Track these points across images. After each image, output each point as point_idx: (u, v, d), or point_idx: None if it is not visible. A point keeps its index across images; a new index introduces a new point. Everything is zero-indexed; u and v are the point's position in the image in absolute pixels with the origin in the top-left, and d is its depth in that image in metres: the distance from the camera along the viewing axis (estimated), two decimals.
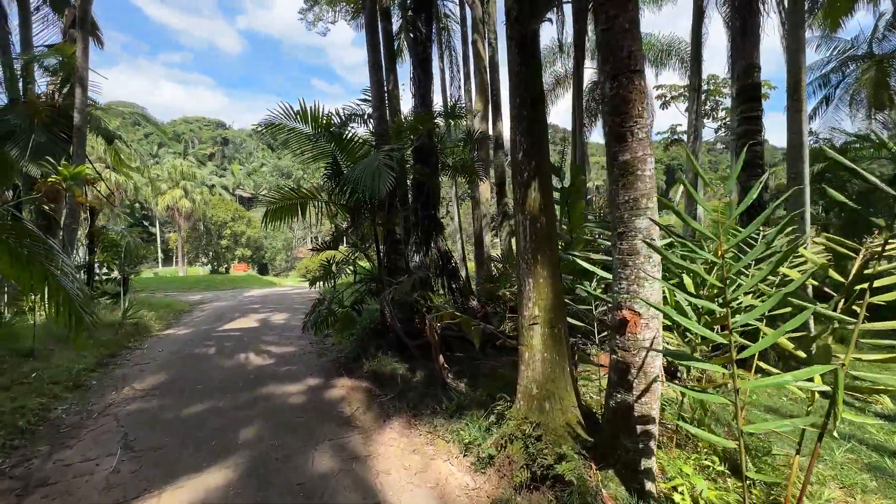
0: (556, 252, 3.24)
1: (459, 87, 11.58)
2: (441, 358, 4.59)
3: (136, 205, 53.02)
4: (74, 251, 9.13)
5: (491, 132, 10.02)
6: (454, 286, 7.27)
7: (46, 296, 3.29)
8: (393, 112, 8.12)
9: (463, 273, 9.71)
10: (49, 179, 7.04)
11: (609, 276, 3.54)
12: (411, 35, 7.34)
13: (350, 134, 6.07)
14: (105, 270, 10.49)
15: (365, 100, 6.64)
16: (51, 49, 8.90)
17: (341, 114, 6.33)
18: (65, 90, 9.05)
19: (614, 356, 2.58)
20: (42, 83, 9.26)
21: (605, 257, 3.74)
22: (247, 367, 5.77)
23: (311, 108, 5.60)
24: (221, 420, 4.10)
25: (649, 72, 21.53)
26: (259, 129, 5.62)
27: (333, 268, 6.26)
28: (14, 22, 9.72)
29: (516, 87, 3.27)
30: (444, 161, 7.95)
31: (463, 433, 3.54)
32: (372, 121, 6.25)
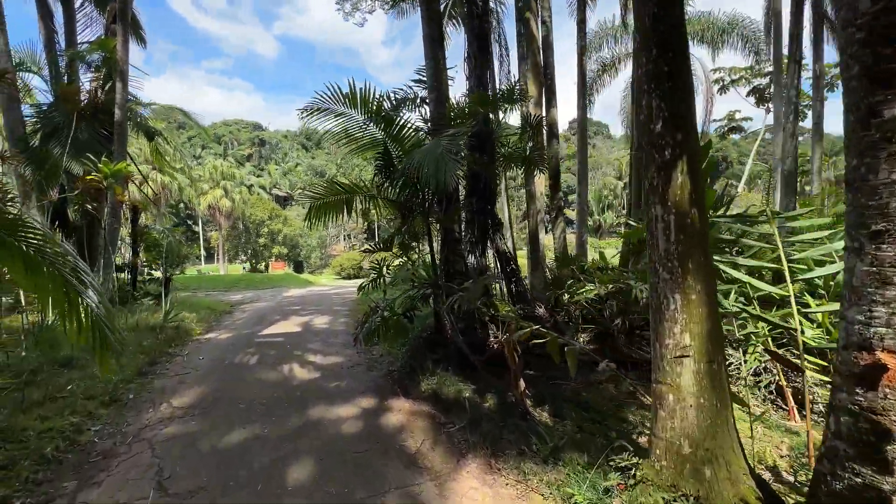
0: (710, 258, 2.38)
1: (508, 72, 10.70)
2: (522, 383, 3.80)
3: (181, 205, 55.22)
4: (117, 251, 8.96)
5: (544, 119, 9.10)
6: (516, 291, 6.46)
7: (67, 310, 2.74)
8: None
9: None
10: (88, 177, 6.75)
11: (765, 287, 2.65)
12: (466, 9, 6.56)
13: (402, 120, 5.38)
14: (147, 272, 10.36)
15: (419, 80, 5.92)
16: (93, 44, 8.77)
17: (392, 98, 5.65)
18: (107, 86, 8.87)
19: (846, 417, 1.71)
20: (86, 81, 9.19)
21: (754, 262, 2.83)
22: (292, 382, 5.20)
23: (360, 89, 4.94)
24: (267, 453, 3.49)
25: (703, 52, 19.85)
26: (303, 115, 5.00)
27: (385, 271, 5.59)
28: (60, 21, 9.66)
29: (653, 34, 2.42)
30: (499, 150, 7.15)
31: (569, 490, 2.74)
32: (428, 103, 5.51)
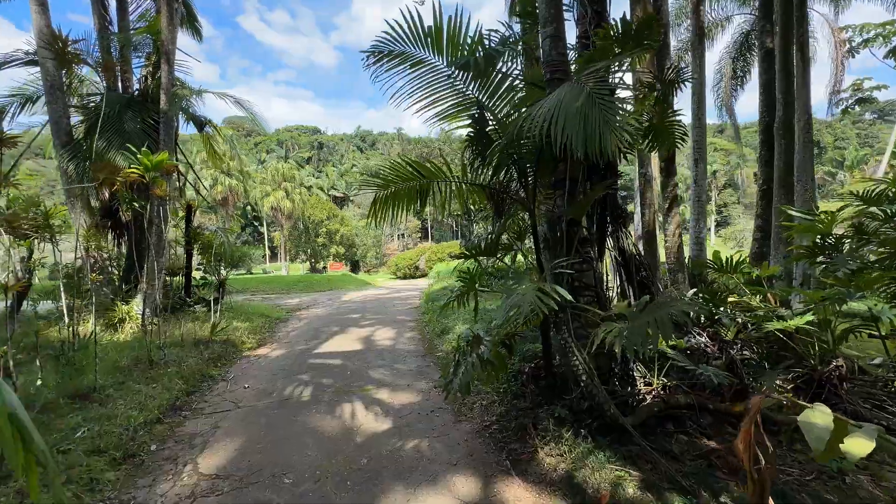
0: None
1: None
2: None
3: (248, 207, 57.99)
4: (167, 253, 8.23)
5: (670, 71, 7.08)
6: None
7: None
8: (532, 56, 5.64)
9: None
10: (128, 170, 5.85)
11: None
12: None
13: (505, 67, 3.78)
14: (202, 275, 9.69)
15: (530, 14, 4.27)
16: (140, 29, 8.15)
17: (487, 41, 4.05)
18: (158, 74, 8.16)
19: None
20: (137, 69, 8.60)
21: None
22: (354, 438, 3.78)
23: (449, 19, 3.40)
24: None
25: (826, 8, 16.37)
26: (367, 61, 3.56)
27: (476, 284, 4.04)
28: (114, 13, 9.16)
29: None
30: None
31: None
32: (546, 43, 3.81)
